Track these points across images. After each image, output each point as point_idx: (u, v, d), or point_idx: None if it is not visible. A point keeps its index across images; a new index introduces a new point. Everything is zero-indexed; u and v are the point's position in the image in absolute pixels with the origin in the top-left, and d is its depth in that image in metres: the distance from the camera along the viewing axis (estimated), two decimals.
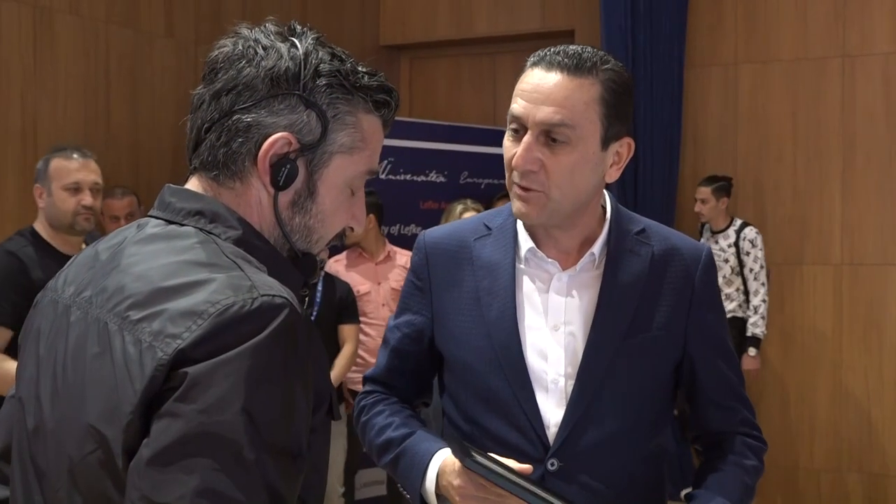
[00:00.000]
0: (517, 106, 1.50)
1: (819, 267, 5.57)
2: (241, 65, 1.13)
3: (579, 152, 1.49)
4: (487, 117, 6.26)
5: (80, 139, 4.81)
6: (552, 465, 1.54)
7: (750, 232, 5.16)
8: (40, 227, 3.38)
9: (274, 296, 1.01)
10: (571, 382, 1.55)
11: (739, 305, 5.11)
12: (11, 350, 2.98)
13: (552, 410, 1.55)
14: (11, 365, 2.43)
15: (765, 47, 5.70)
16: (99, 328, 1.05)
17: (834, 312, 5.53)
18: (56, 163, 3.30)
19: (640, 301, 1.57)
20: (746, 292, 5.13)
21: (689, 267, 1.60)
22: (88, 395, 1.02)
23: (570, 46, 1.52)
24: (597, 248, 1.59)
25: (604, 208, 1.64)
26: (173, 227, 1.12)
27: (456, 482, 1.45)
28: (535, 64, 1.52)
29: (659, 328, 1.57)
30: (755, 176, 5.70)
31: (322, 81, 1.13)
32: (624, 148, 1.57)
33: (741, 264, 5.14)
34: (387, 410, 1.68)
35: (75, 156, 3.33)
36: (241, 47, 1.15)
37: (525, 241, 1.60)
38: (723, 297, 4.90)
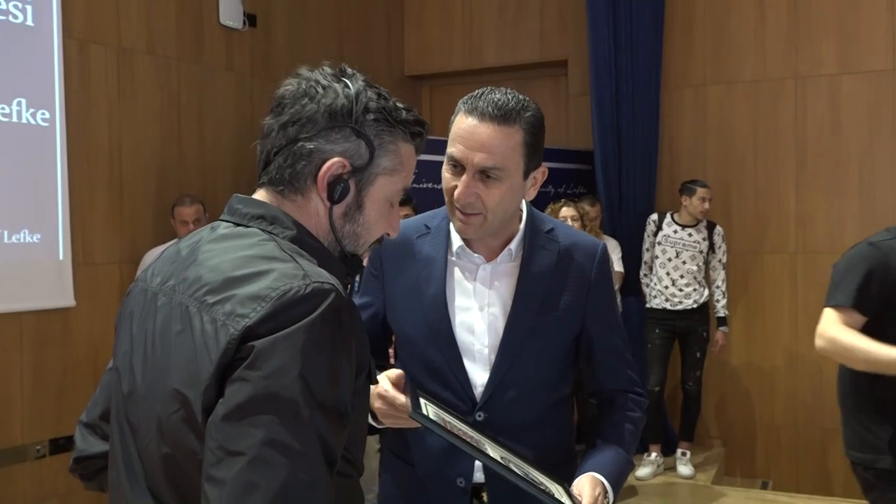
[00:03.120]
0: (455, 150, 1.54)
1: (777, 255, 5.54)
2: (304, 101, 1.16)
3: (507, 185, 1.54)
4: None
5: (156, 157, 4.85)
6: (479, 416, 1.62)
7: (720, 229, 5.14)
8: None
9: (323, 283, 1.04)
10: (494, 352, 1.61)
11: (695, 290, 5.06)
12: None
13: (478, 374, 1.62)
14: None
15: (729, 71, 5.67)
16: (181, 311, 1.08)
17: (790, 294, 5.51)
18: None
19: (548, 287, 1.63)
20: (706, 279, 5.11)
21: (588, 259, 1.66)
22: (173, 365, 1.06)
23: (497, 95, 1.54)
24: (514, 245, 1.65)
25: (521, 212, 1.69)
26: (240, 228, 1.16)
27: (376, 404, 1.48)
28: (468, 112, 1.54)
29: (564, 308, 1.63)
30: (722, 179, 5.66)
31: (370, 116, 1.16)
32: (539, 174, 1.62)
33: (711, 255, 5.11)
34: None
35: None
36: (303, 86, 1.18)
37: (456, 240, 1.65)
38: (695, 285, 4.96)
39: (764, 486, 5.40)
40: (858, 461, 2.40)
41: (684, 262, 5.05)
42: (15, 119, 4.15)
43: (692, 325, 5.06)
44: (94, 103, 4.54)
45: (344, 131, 1.15)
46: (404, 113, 1.21)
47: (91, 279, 4.48)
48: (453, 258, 1.65)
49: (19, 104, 4.16)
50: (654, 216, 5.25)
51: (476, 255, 1.64)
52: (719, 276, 5.09)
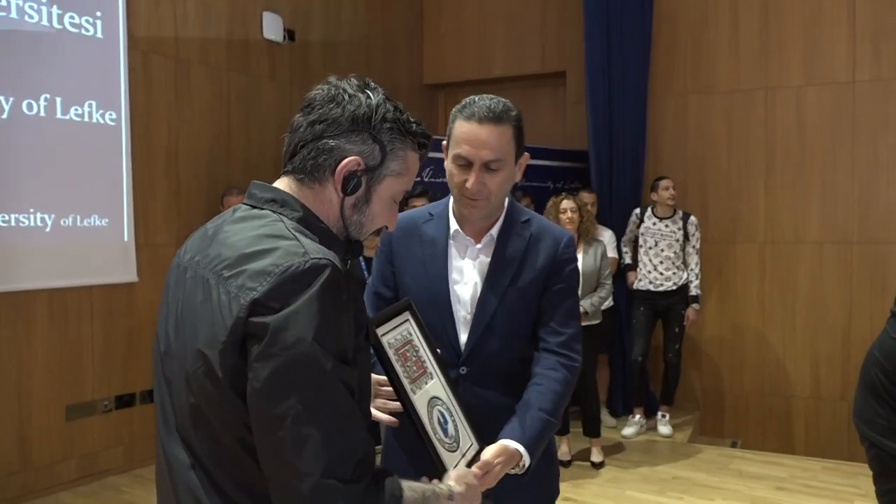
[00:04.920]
0: (463, 150, 1.62)
1: (747, 244, 5.57)
2: (332, 105, 1.19)
3: (505, 172, 1.65)
4: None
5: (208, 153, 4.92)
6: (462, 370, 1.69)
7: (693, 219, 5.16)
8: None
9: (320, 258, 1.07)
10: (472, 316, 1.69)
11: (674, 273, 5.10)
12: None
13: (463, 335, 1.70)
14: None
15: (707, 82, 5.68)
16: (203, 283, 1.12)
17: (759, 278, 5.53)
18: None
19: (518, 265, 1.70)
20: (685, 264, 5.14)
21: (555, 244, 1.73)
22: (197, 329, 1.10)
23: (487, 101, 1.63)
24: (495, 230, 1.73)
25: (504, 205, 1.77)
26: (255, 210, 1.18)
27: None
28: (467, 118, 1.63)
29: (529, 282, 1.70)
30: (699, 177, 5.69)
31: (387, 125, 1.19)
32: (524, 159, 1.72)
33: (686, 242, 5.13)
34: None
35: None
36: (332, 92, 1.20)
37: (453, 224, 1.74)
38: (673, 269, 5.00)
39: (733, 445, 5.45)
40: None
41: (662, 250, 5.10)
42: (87, 119, 4.23)
43: (672, 304, 5.11)
44: (155, 106, 4.61)
45: (363, 135, 1.18)
46: (415, 126, 1.23)
47: (152, 258, 4.56)
48: (451, 240, 1.73)
49: (90, 106, 4.25)
50: (637, 210, 5.29)
51: (467, 237, 1.73)
52: (692, 260, 5.12)
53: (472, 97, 1.67)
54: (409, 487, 1.15)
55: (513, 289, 1.69)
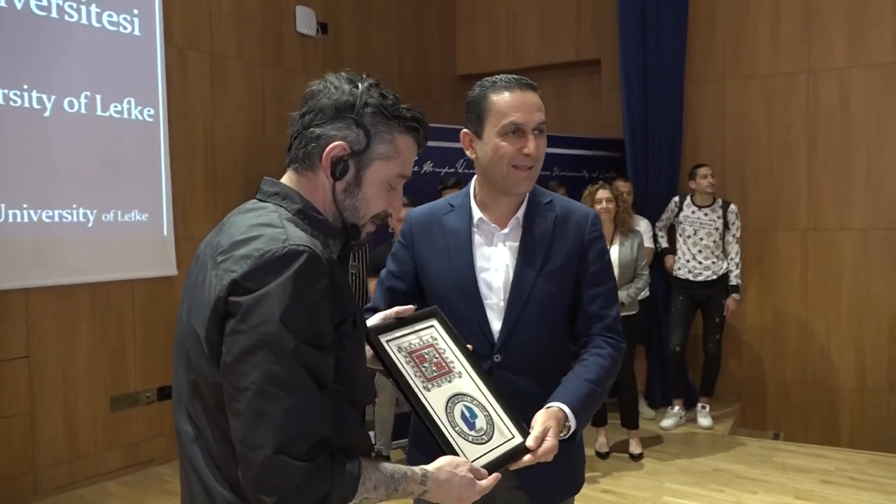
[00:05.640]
0: (516, 117, 1.62)
1: (789, 232, 5.45)
2: (320, 97, 1.24)
3: (545, 135, 1.67)
4: None
5: (244, 147, 4.97)
6: (497, 358, 1.66)
7: (733, 207, 5.07)
8: None
9: (298, 245, 1.11)
10: (506, 304, 1.67)
11: (713, 262, 5.02)
12: None
13: (496, 322, 1.67)
14: None
15: (746, 67, 5.56)
16: (205, 267, 1.18)
17: (801, 266, 5.42)
18: None
19: (548, 247, 1.68)
20: (724, 253, 5.05)
21: (581, 223, 1.71)
22: (194, 309, 1.17)
23: (513, 75, 1.67)
24: (520, 213, 1.71)
25: None
26: (261, 203, 1.25)
27: None
28: (507, 88, 1.64)
29: (561, 264, 1.68)
30: (738, 164, 5.58)
31: (369, 110, 1.23)
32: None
33: (725, 231, 5.05)
34: None
35: None
36: (322, 86, 1.26)
37: (476, 213, 1.72)
38: (713, 259, 4.92)
39: (775, 437, 5.36)
40: None
41: (702, 239, 5.02)
42: (126, 116, 4.30)
43: (712, 294, 5.03)
44: (192, 101, 4.67)
45: (346, 121, 1.22)
46: (404, 111, 1.25)
47: (190, 252, 4.58)
48: (475, 229, 1.72)
49: (129, 103, 4.32)
50: (676, 198, 5.21)
51: (492, 224, 1.71)
52: (733, 250, 5.03)
53: (485, 79, 1.67)
54: (375, 468, 1.17)
55: (545, 271, 1.67)
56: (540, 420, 1.45)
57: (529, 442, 1.40)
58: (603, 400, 1.63)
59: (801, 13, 5.35)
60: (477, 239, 1.71)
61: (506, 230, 1.70)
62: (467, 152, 1.70)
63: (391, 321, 1.47)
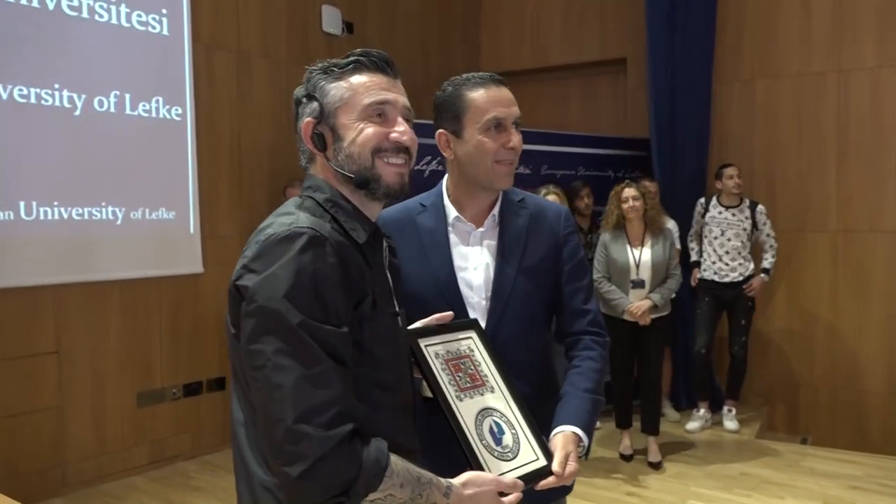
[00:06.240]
0: (498, 112, 1.62)
1: (818, 234, 5.37)
2: (298, 92, 1.34)
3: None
4: (560, 125, 6.22)
5: (270, 146, 5.00)
6: None
7: (762, 208, 5.00)
8: None
9: (300, 227, 1.16)
10: (488, 302, 1.66)
11: (740, 264, 4.96)
12: None
13: (479, 322, 1.65)
14: None
15: (775, 66, 5.49)
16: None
17: (830, 268, 5.33)
18: None
19: (524, 245, 1.68)
20: (752, 254, 4.98)
21: (555, 220, 1.73)
22: (228, 298, 1.24)
23: (480, 72, 1.67)
24: (496, 210, 1.71)
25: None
26: (297, 198, 1.30)
27: None
28: (485, 84, 1.64)
29: (539, 260, 1.68)
30: (767, 165, 5.51)
31: (312, 81, 1.31)
32: None
33: (753, 231, 4.98)
34: None
35: None
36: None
37: (451, 212, 1.71)
38: (739, 260, 4.85)
39: (803, 442, 5.27)
40: None
41: (729, 240, 4.96)
42: (154, 115, 4.34)
43: (738, 296, 4.96)
44: (219, 100, 4.70)
45: (303, 104, 1.30)
46: (342, 61, 1.30)
47: (216, 249, 4.66)
48: (450, 228, 1.71)
49: (157, 102, 4.36)
50: (702, 199, 5.15)
51: (468, 223, 1.70)
52: (768, 242, 4.98)
53: (454, 78, 1.68)
54: (405, 466, 1.16)
55: (523, 268, 1.67)
56: (560, 444, 1.47)
57: (555, 467, 1.41)
58: (602, 405, 1.64)
59: (831, 11, 5.27)
60: (453, 238, 1.71)
61: (482, 228, 1.70)
62: (444, 153, 1.69)
63: (432, 326, 1.48)
